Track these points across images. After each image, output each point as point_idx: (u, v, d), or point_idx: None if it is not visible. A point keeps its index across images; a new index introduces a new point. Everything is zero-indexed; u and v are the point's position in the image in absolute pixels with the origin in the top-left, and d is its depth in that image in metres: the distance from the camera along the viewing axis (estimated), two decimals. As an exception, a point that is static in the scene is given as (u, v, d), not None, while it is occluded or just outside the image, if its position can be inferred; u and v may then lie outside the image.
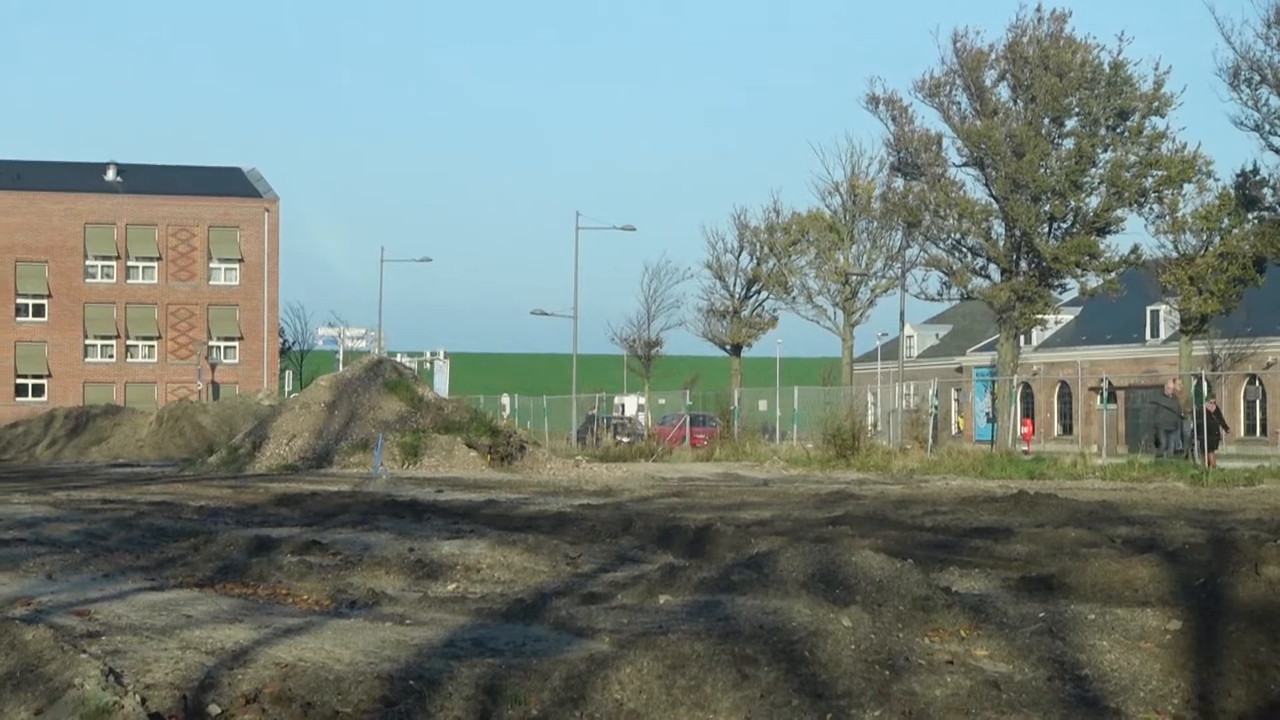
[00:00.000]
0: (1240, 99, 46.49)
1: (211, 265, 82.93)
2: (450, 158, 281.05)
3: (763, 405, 58.67)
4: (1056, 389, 75.07)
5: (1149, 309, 69.09)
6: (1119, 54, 50.23)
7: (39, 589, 10.57)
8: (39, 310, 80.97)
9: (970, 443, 57.58)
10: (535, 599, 9.61)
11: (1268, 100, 46.44)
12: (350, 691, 6.62)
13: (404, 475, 31.13)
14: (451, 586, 10.84)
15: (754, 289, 69.96)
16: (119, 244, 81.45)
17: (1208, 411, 38.05)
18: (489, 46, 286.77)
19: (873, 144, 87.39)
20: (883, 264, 65.69)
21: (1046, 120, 50.30)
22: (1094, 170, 50.64)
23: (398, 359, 50.79)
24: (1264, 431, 64.29)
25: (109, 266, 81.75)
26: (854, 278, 65.73)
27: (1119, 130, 50.52)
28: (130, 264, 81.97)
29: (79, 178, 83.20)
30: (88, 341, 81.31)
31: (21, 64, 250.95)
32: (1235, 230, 49.32)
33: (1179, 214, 50.16)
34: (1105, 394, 43.91)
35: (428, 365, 69.69)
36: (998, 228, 52.02)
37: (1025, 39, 50.79)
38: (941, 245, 53.60)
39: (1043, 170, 49.76)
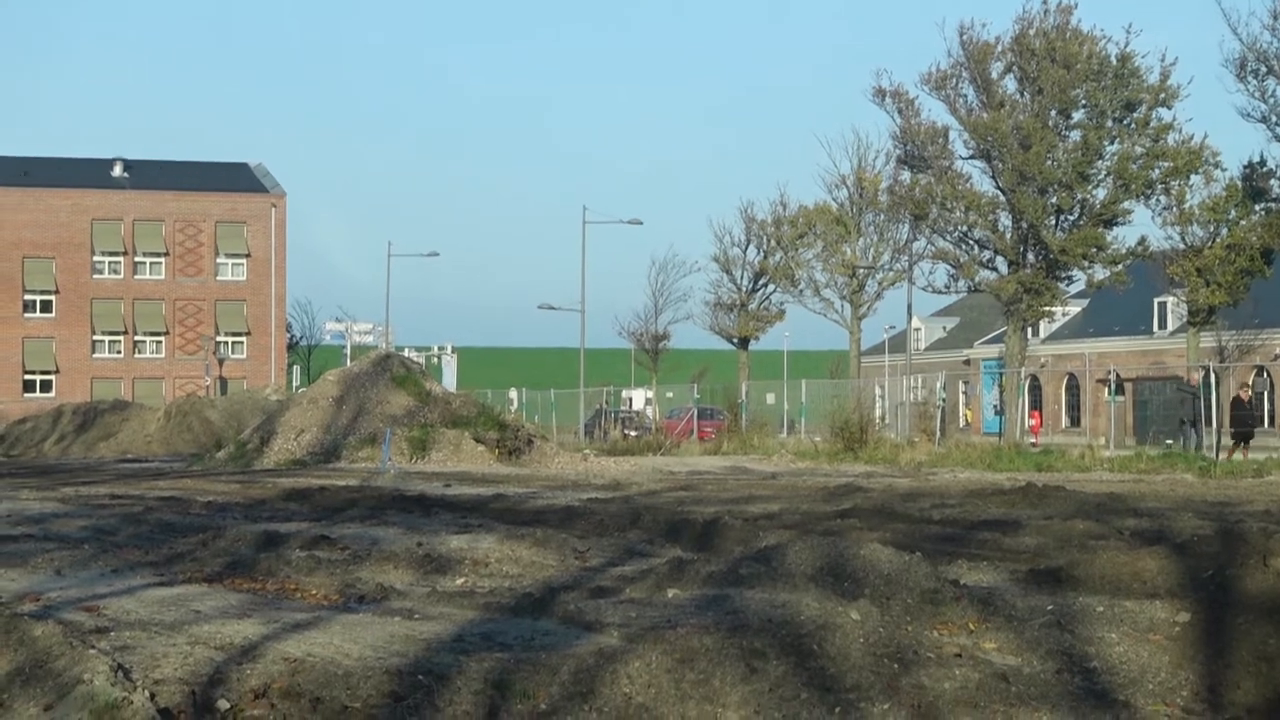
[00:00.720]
0: (1247, 90, 46.57)
1: (219, 261, 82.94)
2: (457, 154, 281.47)
3: (770, 398, 58.72)
4: (1064, 381, 74.97)
5: (1156, 301, 68.98)
6: (1126, 46, 50.26)
7: (48, 585, 10.58)
8: (47, 306, 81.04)
9: (978, 435, 57.64)
10: (544, 593, 9.61)
11: (1274, 91, 46.52)
12: (359, 686, 6.63)
13: (412, 470, 31.11)
14: (460, 581, 10.83)
15: (761, 282, 69.87)
16: (126, 240, 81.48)
17: (1240, 400, 37.73)
18: (495, 44, 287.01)
19: (879, 137, 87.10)
20: (890, 257, 65.63)
21: (1053, 112, 50.26)
22: (1101, 162, 50.60)
23: (405, 354, 50.81)
24: (1271, 423, 64.14)
25: (116, 262, 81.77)
26: (861, 271, 65.61)
27: (1126, 122, 50.46)
28: (138, 260, 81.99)
29: (86, 174, 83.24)
30: (95, 337, 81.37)
31: (29, 60, 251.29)
32: (1242, 222, 49.28)
33: (1186, 206, 50.12)
34: (1113, 386, 43.82)
35: (435, 360, 69.83)
36: (1005, 220, 52.02)
37: (1032, 31, 50.76)
38: (948, 238, 53.58)
39: (1050, 162, 49.70)
